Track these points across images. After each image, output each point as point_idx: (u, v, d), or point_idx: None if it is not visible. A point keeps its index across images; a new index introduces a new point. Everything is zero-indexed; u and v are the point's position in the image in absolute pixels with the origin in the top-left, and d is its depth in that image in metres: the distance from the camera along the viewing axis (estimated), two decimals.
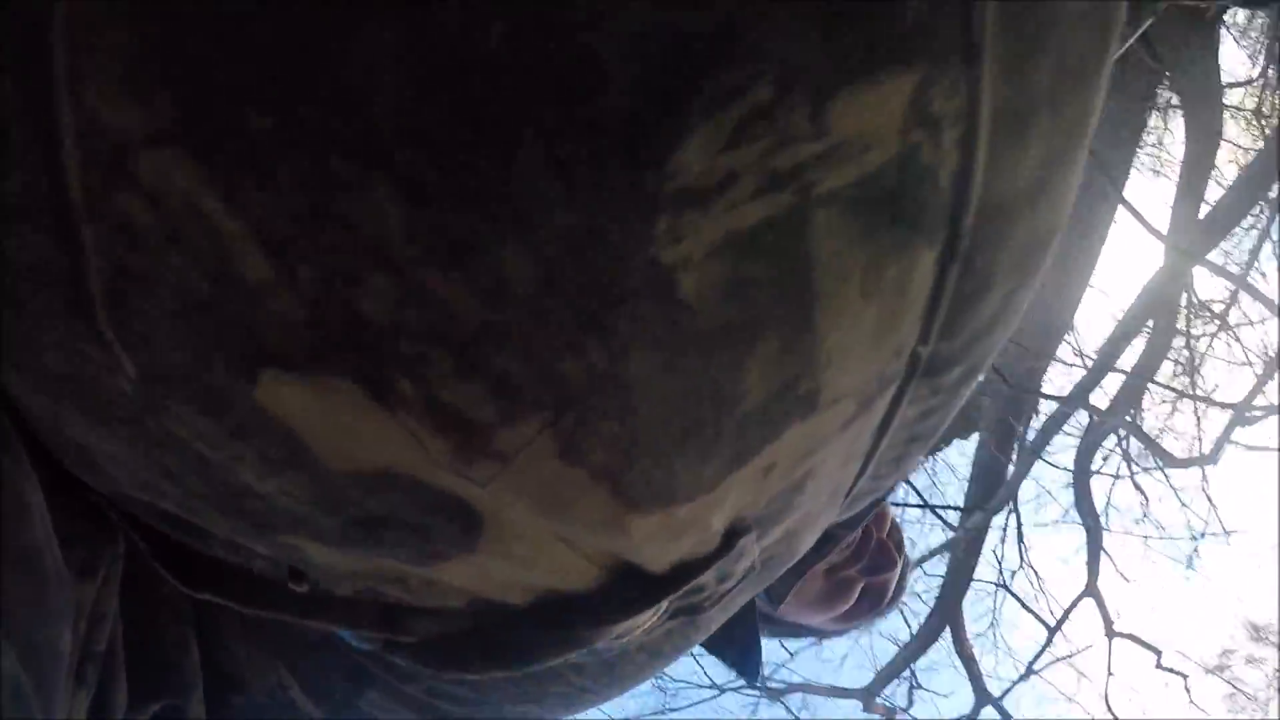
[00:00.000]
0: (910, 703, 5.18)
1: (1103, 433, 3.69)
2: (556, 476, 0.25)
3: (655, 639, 0.40)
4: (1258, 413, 3.63)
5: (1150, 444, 3.57)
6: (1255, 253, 3.74)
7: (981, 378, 0.31)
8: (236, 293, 0.21)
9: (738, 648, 0.62)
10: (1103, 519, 5.06)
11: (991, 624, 5.26)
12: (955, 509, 3.86)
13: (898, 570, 0.74)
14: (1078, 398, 3.51)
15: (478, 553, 0.28)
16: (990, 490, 4.02)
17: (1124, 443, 3.79)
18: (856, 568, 0.71)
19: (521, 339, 0.22)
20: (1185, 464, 3.91)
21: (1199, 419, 4.77)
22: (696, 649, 0.53)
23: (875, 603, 0.75)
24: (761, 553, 0.35)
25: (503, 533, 0.27)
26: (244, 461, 0.25)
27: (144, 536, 0.32)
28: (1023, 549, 5.15)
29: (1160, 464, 3.94)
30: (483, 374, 0.22)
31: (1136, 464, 5.33)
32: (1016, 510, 5.02)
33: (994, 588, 5.16)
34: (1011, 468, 4.03)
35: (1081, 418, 4.00)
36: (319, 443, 0.24)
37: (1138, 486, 4.19)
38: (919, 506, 4.09)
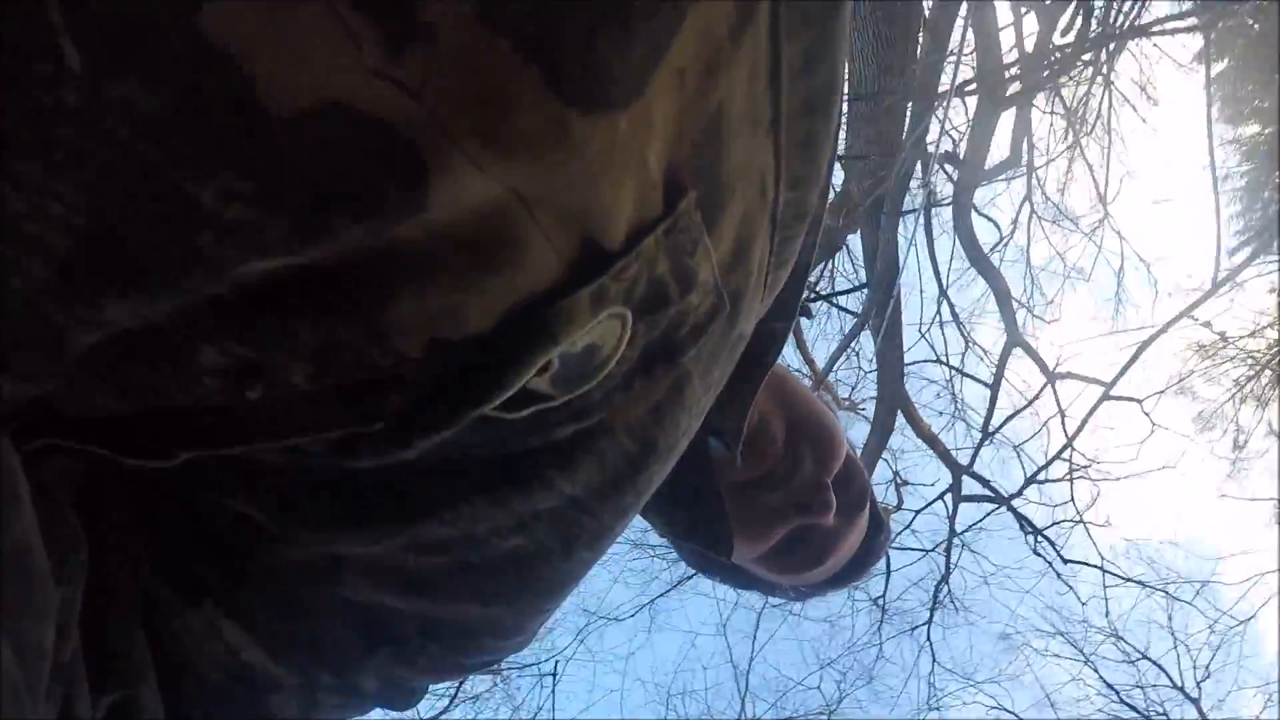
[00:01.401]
0: (900, 501, 5.51)
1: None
2: (484, 53, 0.25)
3: (644, 420, 0.40)
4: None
5: (953, 160, 3.76)
6: None
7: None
8: None
9: (706, 521, 0.60)
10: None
11: (953, 400, 5.56)
12: (853, 290, 4.09)
13: (832, 518, 0.61)
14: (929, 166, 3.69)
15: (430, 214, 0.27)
16: (887, 269, 4.25)
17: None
18: (777, 495, 0.60)
19: None
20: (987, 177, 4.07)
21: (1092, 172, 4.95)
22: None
23: (814, 558, 0.64)
24: (722, 282, 0.36)
25: (449, 181, 0.27)
26: (187, 155, 0.24)
27: (100, 439, 0.32)
28: (962, 329, 5.42)
29: (986, 181, 4.13)
30: None
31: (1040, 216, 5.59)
32: (945, 295, 5.29)
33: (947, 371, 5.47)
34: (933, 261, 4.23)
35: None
36: (261, 69, 0.24)
37: (981, 214, 4.40)
38: (819, 299, 4.37)
